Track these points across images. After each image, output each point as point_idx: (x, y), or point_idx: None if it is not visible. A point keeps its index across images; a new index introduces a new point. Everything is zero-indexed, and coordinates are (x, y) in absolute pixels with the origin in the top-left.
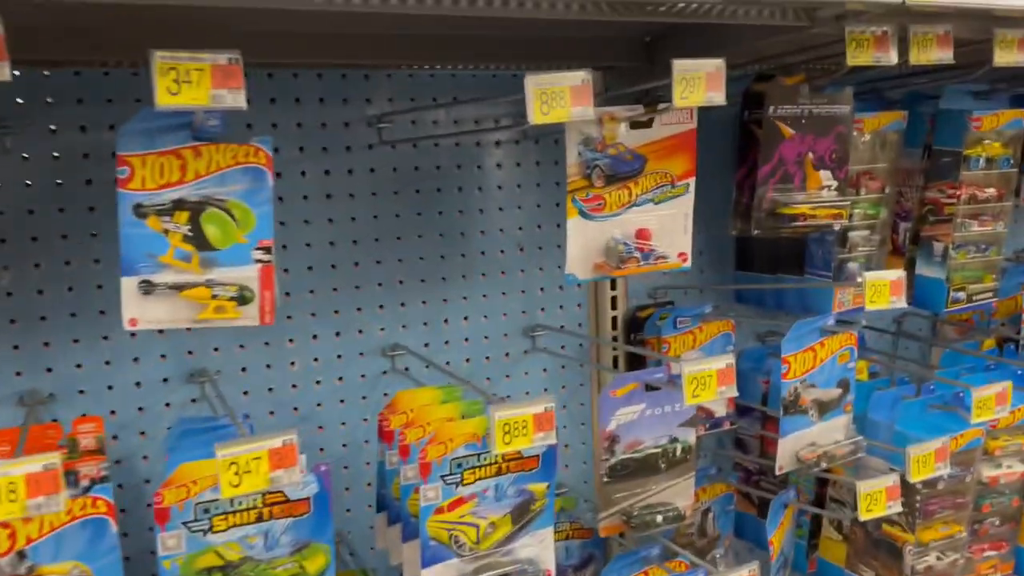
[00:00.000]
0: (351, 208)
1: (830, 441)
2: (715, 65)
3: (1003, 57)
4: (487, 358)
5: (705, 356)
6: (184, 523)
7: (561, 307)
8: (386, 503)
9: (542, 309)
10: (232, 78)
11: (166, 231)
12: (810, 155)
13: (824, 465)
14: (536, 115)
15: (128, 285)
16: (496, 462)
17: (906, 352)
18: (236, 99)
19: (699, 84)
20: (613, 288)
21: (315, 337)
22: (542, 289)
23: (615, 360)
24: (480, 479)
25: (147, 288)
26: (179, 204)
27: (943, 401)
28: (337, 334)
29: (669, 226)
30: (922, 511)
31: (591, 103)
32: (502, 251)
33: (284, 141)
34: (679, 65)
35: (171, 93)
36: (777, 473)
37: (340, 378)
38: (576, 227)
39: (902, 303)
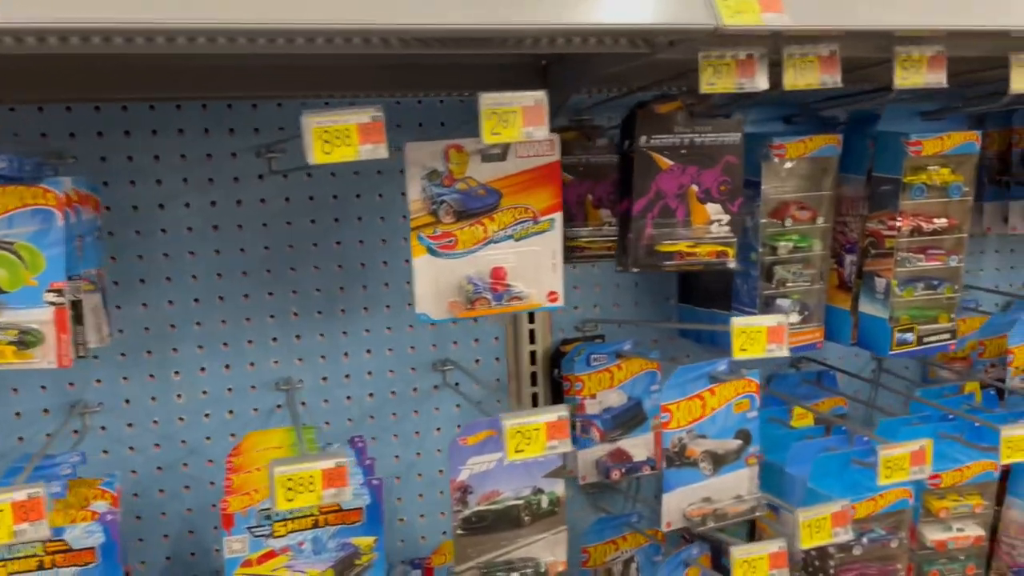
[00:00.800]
0: (240, 239)
1: (729, 497)
2: (534, 98)
3: (908, 79)
4: (393, 393)
5: (616, 395)
6: None
7: (476, 340)
8: None
9: (454, 342)
10: None
11: None
12: (694, 188)
13: (712, 524)
14: (317, 155)
15: None
16: (312, 514)
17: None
18: None
19: (515, 119)
20: (531, 321)
21: (203, 370)
22: (454, 322)
23: (534, 397)
24: (294, 531)
25: None
26: None
27: (867, 456)
28: (227, 367)
29: (534, 264)
30: None
31: (384, 140)
32: (408, 282)
33: (167, 173)
34: (486, 99)
35: None
36: (664, 530)
37: (231, 411)
38: (425, 265)
39: (783, 352)
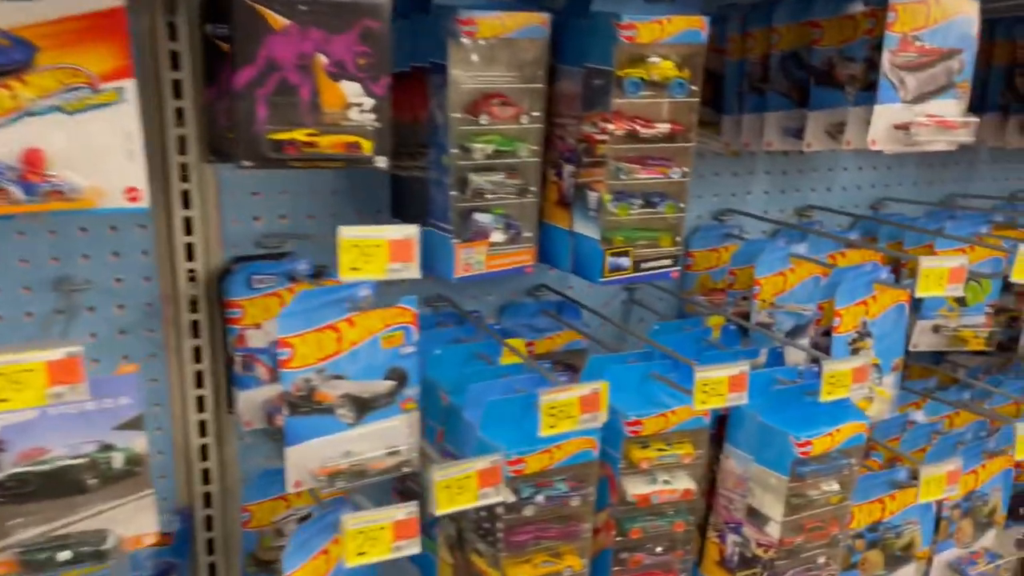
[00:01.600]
0: None
1: (380, 449)
2: None
3: None
4: None
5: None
6: None
7: (116, 254)
8: None
9: (85, 256)
10: None
11: None
12: (321, 58)
13: (344, 484)
14: None
15: None
16: None
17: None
18: None
19: None
20: (188, 232)
21: None
22: (84, 229)
23: (195, 325)
24: None
25: None
26: None
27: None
28: None
29: (95, 148)
30: (506, 542)
31: None
32: None
33: None
34: None
35: None
36: (290, 490)
37: None
38: None
39: (412, 272)
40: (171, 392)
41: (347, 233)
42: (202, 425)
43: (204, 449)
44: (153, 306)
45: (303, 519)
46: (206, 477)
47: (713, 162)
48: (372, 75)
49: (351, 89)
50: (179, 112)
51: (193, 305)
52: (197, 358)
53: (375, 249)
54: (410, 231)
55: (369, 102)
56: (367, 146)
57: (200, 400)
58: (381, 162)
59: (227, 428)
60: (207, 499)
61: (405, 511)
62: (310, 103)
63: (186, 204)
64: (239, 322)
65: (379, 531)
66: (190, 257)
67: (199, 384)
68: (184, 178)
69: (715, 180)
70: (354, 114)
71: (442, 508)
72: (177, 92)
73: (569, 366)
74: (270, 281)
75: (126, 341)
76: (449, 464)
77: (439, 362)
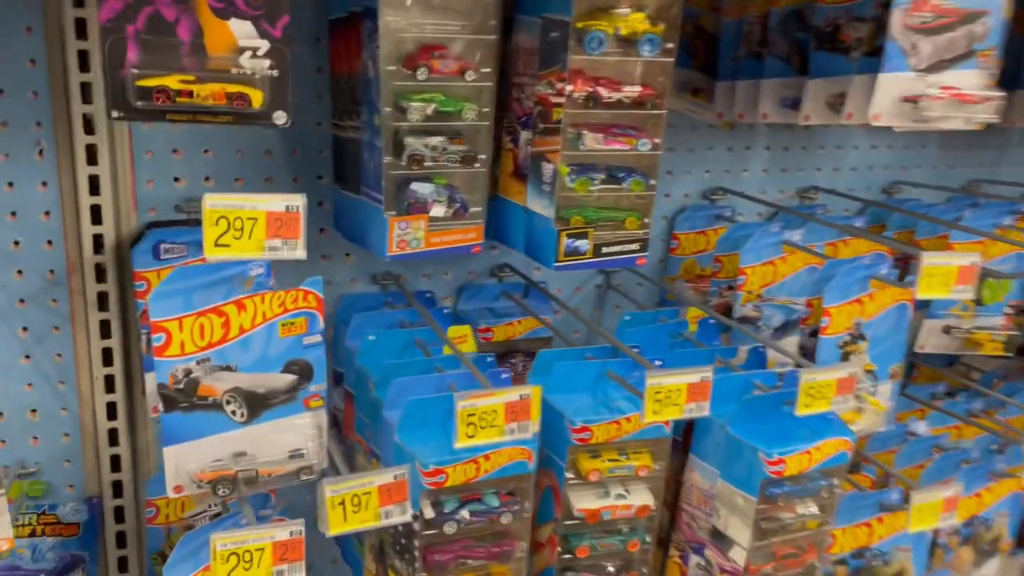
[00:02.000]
0: None
1: (279, 452)
2: None
3: None
4: None
5: None
6: None
7: (14, 214)
8: None
9: None
10: None
11: None
12: None
13: (227, 491)
14: None
15: None
16: None
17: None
18: None
19: None
20: (94, 193)
21: None
22: None
23: (103, 297)
24: None
25: None
26: None
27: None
28: None
29: None
30: (424, 561)
31: None
32: None
33: None
34: None
35: None
36: (170, 495)
37: None
38: None
39: (296, 251)
40: (77, 370)
41: (212, 202)
42: (111, 407)
43: (114, 433)
44: (56, 274)
45: (217, 516)
46: (116, 464)
47: (706, 134)
48: (268, 13)
49: (241, 29)
50: (83, 55)
51: (101, 274)
52: (106, 333)
53: (249, 223)
54: (295, 201)
55: (264, 45)
56: (257, 98)
57: (109, 380)
58: (280, 119)
59: (141, 411)
60: (117, 488)
61: (288, 530)
62: (191, 44)
63: (92, 160)
64: (144, 295)
65: (257, 552)
66: (97, 220)
67: (107, 362)
68: (89, 130)
69: (707, 155)
70: (246, 60)
71: (335, 529)
72: (81, 32)
73: (532, 355)
74: (179, 251)
75: (26, 312)
76: (342, 477)
77: (372, 348)
